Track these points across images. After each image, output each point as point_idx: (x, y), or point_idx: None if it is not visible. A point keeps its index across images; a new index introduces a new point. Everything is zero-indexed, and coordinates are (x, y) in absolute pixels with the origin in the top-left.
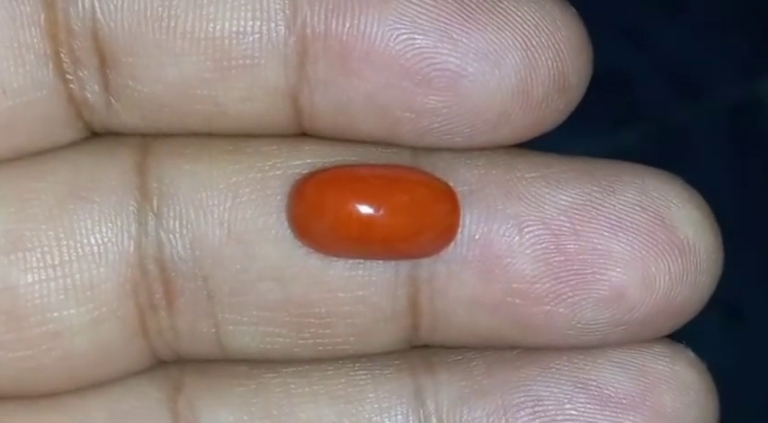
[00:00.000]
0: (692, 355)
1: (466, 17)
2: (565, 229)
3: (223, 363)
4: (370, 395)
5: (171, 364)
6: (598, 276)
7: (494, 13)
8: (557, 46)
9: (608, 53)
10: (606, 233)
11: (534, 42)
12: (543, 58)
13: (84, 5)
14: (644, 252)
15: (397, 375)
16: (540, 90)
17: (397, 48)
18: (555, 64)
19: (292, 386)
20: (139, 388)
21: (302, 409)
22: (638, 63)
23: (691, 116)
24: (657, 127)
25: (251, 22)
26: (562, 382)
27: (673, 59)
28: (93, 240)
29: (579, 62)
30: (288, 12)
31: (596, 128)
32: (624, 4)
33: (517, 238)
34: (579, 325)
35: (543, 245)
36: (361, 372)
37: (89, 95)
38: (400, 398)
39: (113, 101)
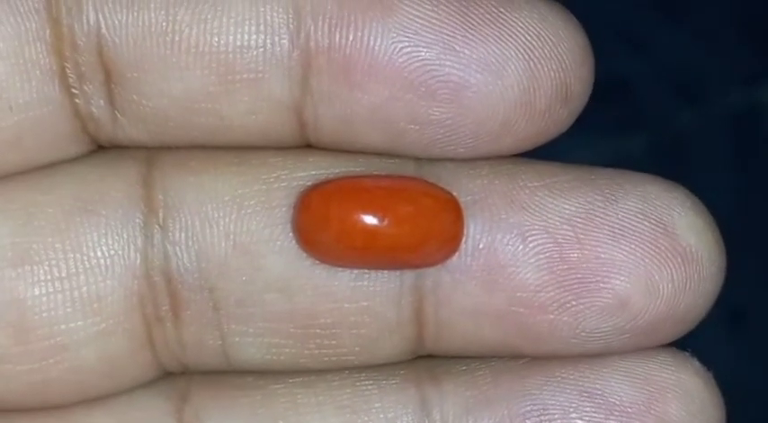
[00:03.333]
0: (697, 363)
1: (468, 29)
2: (568, 237)
3: (229, 374)
4: (376, 405)
5: (177, 376)
6: (601, 285)
7: (496, 25)
8: (559, 57)
9: (609, 60)
10: (609, 241)
11: (537, 53)
12: (546, 69)
13: (89, 21)
14: (647, 260)
15: (402, 385)
16: (543, 100)
17: (401, 60)
18: (558, 74)
19: (298, 396)
20: (146, 399)
21: (308, 419)
22: (639, 70)
23: (693, 122)
24: (660, 134)
25: (255, 36)
26: (567, 390)
27: (674, 66)
28: (99, 253)
29: (582, 72)
30: (291, 26)
31: (599, 135)
32: (625, 11)
33: (521, 247)
34: (583, 333)
35: (547, 254)
36: (367, 382)
37: (94, 110)
38: (406, 408)
39: (119, 115)
